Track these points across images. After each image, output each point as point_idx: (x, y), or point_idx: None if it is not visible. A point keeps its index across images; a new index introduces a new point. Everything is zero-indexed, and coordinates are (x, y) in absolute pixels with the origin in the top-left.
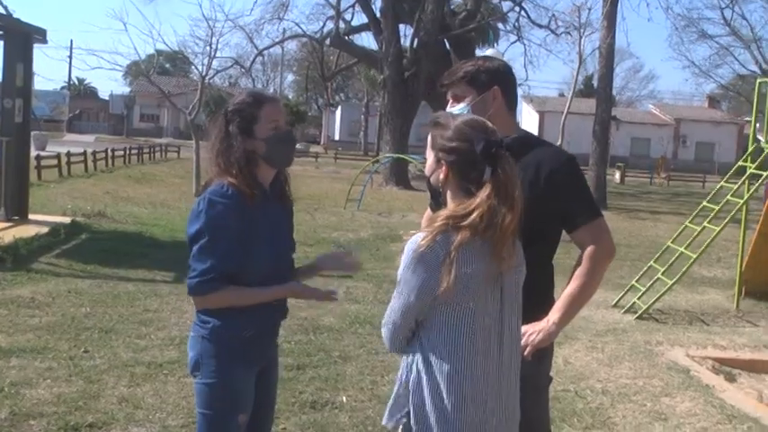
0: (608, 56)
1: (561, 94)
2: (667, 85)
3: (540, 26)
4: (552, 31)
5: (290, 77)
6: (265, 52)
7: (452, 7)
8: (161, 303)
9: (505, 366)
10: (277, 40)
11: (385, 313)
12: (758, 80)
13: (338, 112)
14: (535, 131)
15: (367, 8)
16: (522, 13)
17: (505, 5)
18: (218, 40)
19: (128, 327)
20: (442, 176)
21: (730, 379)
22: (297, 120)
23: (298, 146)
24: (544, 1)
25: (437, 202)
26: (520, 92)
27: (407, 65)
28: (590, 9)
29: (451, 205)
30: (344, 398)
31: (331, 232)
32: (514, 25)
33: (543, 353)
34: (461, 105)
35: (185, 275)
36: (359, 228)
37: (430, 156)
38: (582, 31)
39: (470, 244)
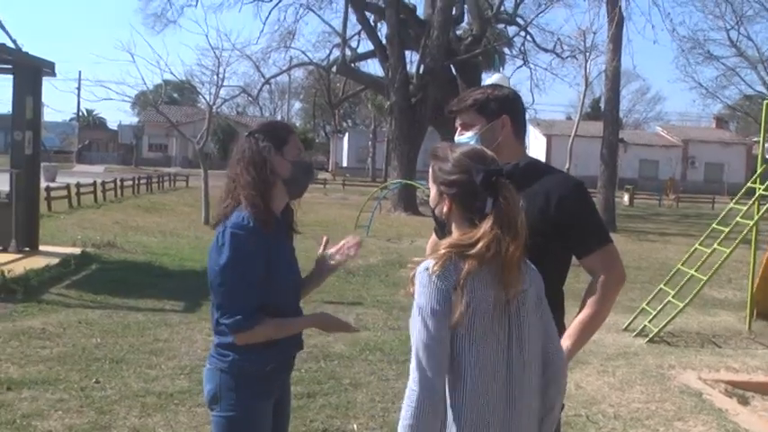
0: (614, 78)
1: (568, 117)
2: (674, 107)
3: (546, 50)
4: (558, 55)
5: (296, 105)
6: (272, 80)
7: (458, 33)
8: (171, 333)
9: (515, 395)
10: (284, 68)
11: (411, 368)
12: (766, 101)
13: (345, 139)
14: (543, 155)
15: (372, 35)
16: (528, 37)
17: (511, 30)
18: (225, 69)
19: (138, 357)
20: (445, 209)
21: (743, 402)
22: (305, 147)
23: None
24: (549, 25)
25: (443, 232)
26: (527, 116)
27: (414, 91)
28: (595, 33)
29: (456, 235)
30: (355, 426)
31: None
32: (520, 50)
33: None
34: (470, 134)
35: (195, 304)
36: (368, 254)
37: (433, 188)
38: (588, 54)
39: (477, 272)
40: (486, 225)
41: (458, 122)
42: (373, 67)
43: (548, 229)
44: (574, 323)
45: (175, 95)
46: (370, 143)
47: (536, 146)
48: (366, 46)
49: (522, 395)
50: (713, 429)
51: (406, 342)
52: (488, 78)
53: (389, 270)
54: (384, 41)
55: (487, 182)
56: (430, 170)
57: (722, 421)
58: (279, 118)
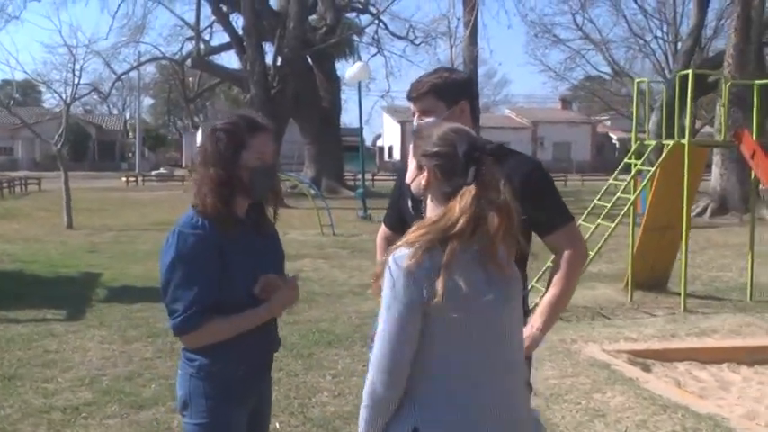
0: (471, 63)
1: None
2: (520, 90)
3: (400, 37)
4: (411, 42)
5: (146, 101)
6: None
7: (312, 23)
8: (59, 343)
9: (508, 374)
10: (135, 63)
11: (372, 358)
12: (636, 80)
13: (199, 134)
14: (397, 142)
15: (228, 27)
16: (381, 25)
17: (364, 19)
18: (81, 67)
19: (31, 371)
20: (423, 182)
21: (646, 369)
22: (158, 144)
23: (162, 170)
24: (402, 12)
25: (417, 211)
26: (383, 103)
27: (272, 82)
28: (459, 19)
29: (434, 214)
30: (277, 424)
31: None
32: (374, 38)
33: (526, 361)
34: (429, 120)
35: (79, 311)
36: None
37: (411, 164)
38: (452, 39)
39: (460, 254)
40: (467, 198)
41: (415, 108)
42: (228, 60)
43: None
44: (543, 302)
45: (16, 96)
46: None
47: (391, 133)
48: (220, 38)
49: (515, 374)
50: (632, 398)
51: (306, 336)
52: (349, 68)
53: None
54: (240, 33)
55: (471, 155)
56: (411, 147)
57: (637, 390)
58: (128, 115)
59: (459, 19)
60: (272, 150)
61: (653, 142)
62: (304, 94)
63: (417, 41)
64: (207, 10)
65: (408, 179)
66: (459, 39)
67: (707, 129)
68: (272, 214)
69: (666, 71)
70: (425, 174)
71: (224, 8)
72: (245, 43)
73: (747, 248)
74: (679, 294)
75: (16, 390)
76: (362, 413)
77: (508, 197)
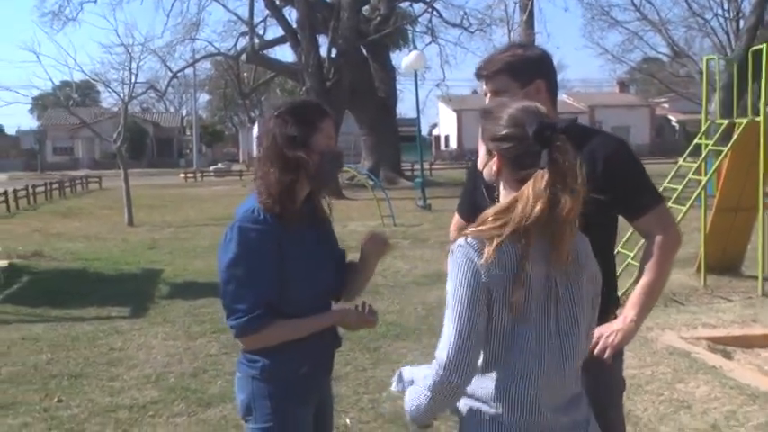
0: None
1: (474, 92)
2: (576, 74)
3: (454, 25)
4: (466, 29)
5: (202, 97)
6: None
7: (365, 13)
8: (124, 341)
9: (564, 377)
10: (191, 60)
11: (440, 353)
12: (706, 58)
13: (255, 129)
14: (454, 131)
15: (282, 20)
16: (435, 13)
17: (417, 8)
18: (138, 65)
19: (96, 369)
20: (494, 168)
21: (727, 356)
22: (215, 139)
23: (220, 165)
24: (456, 0)
25: (491, 198)
26: (438, 92)
27: (328, 74)
28: (515, 3)
29: (505, 201)
30: (348, 420)
31: None
32: (427, 26)
33: (619, 355)
34: (496, 100)
35: (142, 309)
36: None
37: (481, 148)
38: (510, 24)
39: (535, 244)
40: (539, 183)
41: (486, 88)
42: (282, 54)
43: (596, 194)
44: (636, 291)
45: (75, 96)
46: None
47: (447, 122)
48: (273, 32)
49: (568, 378)
50: (717, 388)
51: (372, 330)
52: (404, 57)
53: None
54: (294, 26)
55: (541, 135)
56: (479, 130)
57: (722, 378)
58: (185, 112)
59: (516, 3)
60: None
61: (724, 121)
62: (359, 84)
63: (472, 29)
64: (260, 4)
65: (480, 165)
66: (516, 24)
67: None
68: (327, 206)
69: (728, 50)
70: (495, 159)
71: (277, 2)
72: (299, 36)
73: None
74: (754, 278)
75: (82, 388)
76: (421, 400)
77: (583, 180)
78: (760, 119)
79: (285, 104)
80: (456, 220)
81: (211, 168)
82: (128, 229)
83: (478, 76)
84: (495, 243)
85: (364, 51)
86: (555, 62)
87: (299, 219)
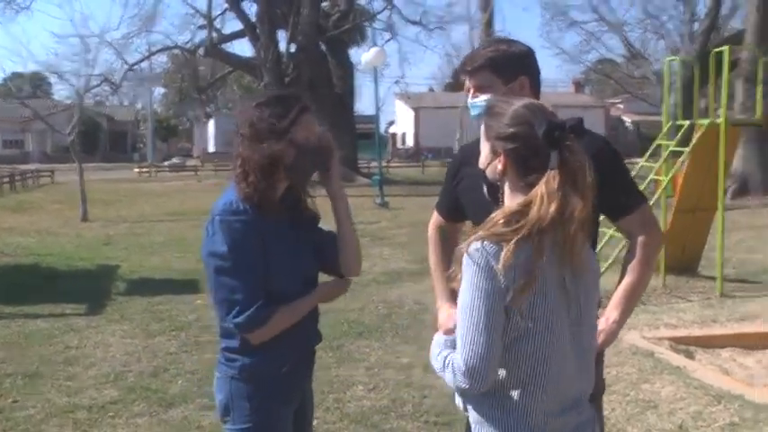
0: None
1: (431, 89)
2: None
3: (413, 22)
4: (425, 27)
5: (157, 91)
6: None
7: (325, 9)
8: (81, 339)
9: (583, 377)
10: (147, 53)
11: (457, 353)
12: (667, 59)
13: (210, 124)
14: (411, 128)
15: (241, 14)
16: (394, 10)
17: (377, 4)
18: (94, 57)
19: (53, 368)
20: (499, 167)
21: (689, 356)
22: (169, 134)
23: (174, 160)
24: None
25: (494, 198)
26: (396, 89)
27: (286, 69)
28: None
29: (514, 203)
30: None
31: None
32: (387, 23)
33: (599, 356)
34: (485, 97)
35: (98, 305)
36: None
37: (485, 147)
38: (472, 23)
39: (548, 247)
40: (551, 184)
41: (469, 83)
42: (239, 48)
43: None
44: (619, 291)
45: (26, 88)
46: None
47: (404, 119)
48: (231, 26)
49: (582, 379)
50: (682, 388)
51: (334, 327)
52: (364, 54)
53: None
54: (253, 20)
55: (551, 135)
56: (482, 127)
57: (686, 379)
58: (139, 106)
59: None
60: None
61: (685, 122)
62: (318, 80)
63: (431, 26)
64: None
65: (482, 164)
66: (477, 22)
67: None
68: (308, 200)
69: (682, 51)
70: (501, 158)
71: None
72: (258, 31)
73: None
74: (711, 278)
75: (38, 388)
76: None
77: (593, 180)
78: (721, 120)
79: (266, 95)
80: (435, 218)
81: (166, 163)
82: (81, 224)
83: (462, 71)
84: (512, 246)
85: (323, 47)
86: None
87: (278, 210)
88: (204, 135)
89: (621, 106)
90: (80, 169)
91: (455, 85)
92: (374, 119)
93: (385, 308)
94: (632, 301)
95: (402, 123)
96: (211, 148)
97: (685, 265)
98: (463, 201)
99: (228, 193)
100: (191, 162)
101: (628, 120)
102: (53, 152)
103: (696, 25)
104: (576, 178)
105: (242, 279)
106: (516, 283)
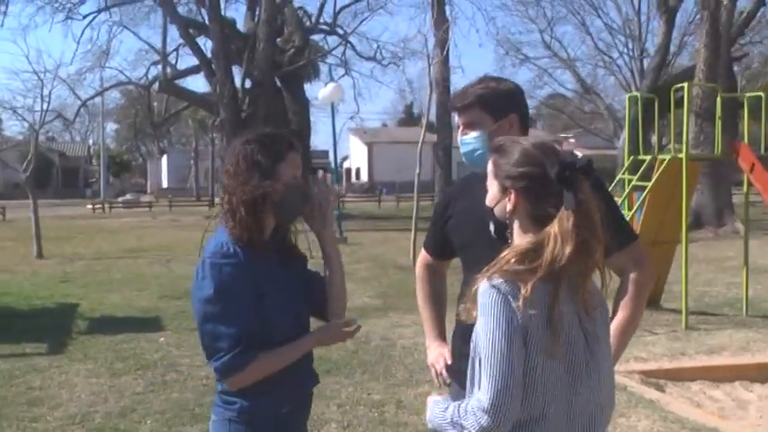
0: (445, 83)
1: (385, 125)
2: None
3: (367, 58)
4: (379, 62)
5: (110, 126)
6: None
7: (279, 44)
8: (44, 379)
9: (593, 416)
10: (100, 89)
11: (482, 392)
12: (628, 95)
13: (164, 159)
14: (365, 163)
15: (197, 50)
16: (349, 46)
17: (331, 40)
18: (50, 91)
19: (16, 410)
20: (510, 206)
21: (660, 390)
22: (122, 170)
23: (128, 197)
24: (369, 33)
25: (502, 236)
26: (352, 125)
27: (242, 105)
28: (426, 36)
29: (526, 241)
30: None
31: None
32: (341, 59)
33: None
34: (475, 134)
35: (60, 345)
36: None
37: (492, 185)
38: (431, 57)
39: (561, 286)
40: (565, 224)
41: (460, 120)
42: (194, 84)
43: None
44: (612, 328)
45: None
46: (192, 162)
47: (358, 154)
48: (186, 62)
49: (599, 417)
50: (659, 422)
51: None
52: (321, 89)
53: None
54: (209, 56)
55: (562, 175)
56: (489, 165)
57: (661, 413)
58: (91, 141)
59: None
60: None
61: (647, 157)
62: (274, 116)
63: (385, 62)
64: (173, 33)
65: (490, 201)
66: (432, 58)
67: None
68: (308, 242)
69: (633, 87)
70: (512, 197)
71: (191, 31)
72: (213, 66)
73: (742, 263)
74: (673, 311)
75: (2, 431)
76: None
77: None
78: (683, 155)
79: (253, 132)
80: (423, 255)
81: (120, 199)
82: (37, 261)
83: (452, 107)
84: (530, 285)
85: (278, 83)
86: None
87: (268, 249)
88: (158, 171)
89: (573, 140)
90: (35, 205)
91: (408, 121)
92: (328, 154)
93: (352, 344)
94: (626, 337)
95: (356, 158)
96: (165, 184)
97: (649, 297)
98: (453, 238)
99: (219, 234)
100: (144, 198)
101: (579, 154)
102: (2, 188)
103: (646, 62)
104: (591, 218)
105: (226, 324)
106: (533, 321)
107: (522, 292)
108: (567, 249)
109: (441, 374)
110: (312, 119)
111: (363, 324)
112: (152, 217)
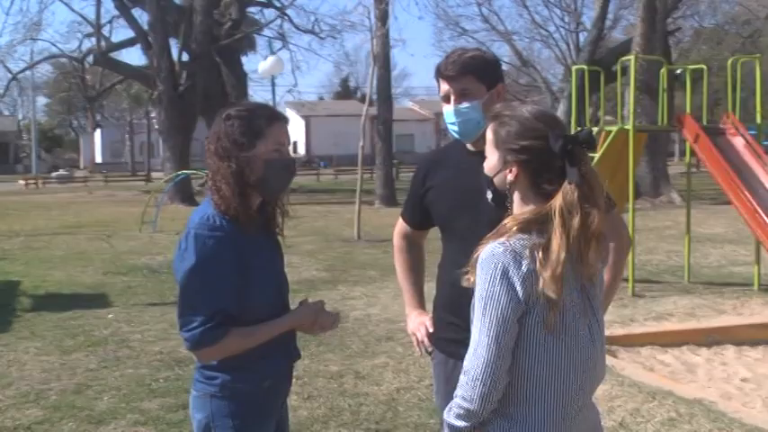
0: (385, 56)
1: (321, 98)
2: (422, 82)
3: (305, 31)
4: (317, 35)
5: (41, 100)
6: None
7: (216, 17)
8: None
9: (591, 385)
10: (32, 62)
11: (468, 365)
12: (574, 67)
13: (98, 134)
14: (302, 137)
15: (133, 22)
16: (286, 18)
17: (269, 13)
18: None
19: None
20: (510, 177)
21: (612, 355)
22: (54, 144)
23: (62, 172)
24: (307, 5)
25: (501, 205)
26: (289, 98)
27: (179, 79)
28: (369, 10)
29: (528, 211)
30: None
31: (138, 257)
32: (279, 32)
33: None
34: (467, 104)
35: (4, 322)
36: (164, 250)
37: (492, 154)
38: (373, 30)
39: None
40: (571, 197)
41: (450, 88)
42: (129, 57)
43: None
44: None
45: None
46: (127, 136)
47: (295, 128)
48: (121, 34)
49: (593, 385)
50: (616, 386)
51: None
52: (261, 62)
53: None
54: (145, 28)
55: (565, 149)
56: (489, 133)
57: (618, 377)
58: (21, 116)
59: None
60: (288, 144)
61: (594, 129)
62: (212, 89)
63: (323, 35)
64: (107, 5)
65: (490, 171)
66: (367, 29)
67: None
68: (281, 216)
69: (569, 60)
70: (513, 168)
71: (127, 2)
72: (150, 39)
73: (681, 232)
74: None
75: None
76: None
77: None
78: (629, 126)
79: (235, 107)
80: (400, 225)
81: (53, 175)
82: None
83: (442, 76)
84: (536, 254)
85: (215, 56)
86: (398, 70)
87: (255, 223)
88: (91, 145)
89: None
90: None
91: (345, 94)
92: None
93: None
94: (606, 302)
95: (293, 132)
96: (99, 159)
97: None
98: (433, 210)
99: (205, 205)
100: (78, 173)
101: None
102: None
103: (582, 35)
104: (593, 191)
105: (203, 297)
106: (536, 294)
107: (525, 262)
108: (575, 221)
109: (422, 342)
110: (250, 92)
111: (313, 296)
112: (88, 192)
